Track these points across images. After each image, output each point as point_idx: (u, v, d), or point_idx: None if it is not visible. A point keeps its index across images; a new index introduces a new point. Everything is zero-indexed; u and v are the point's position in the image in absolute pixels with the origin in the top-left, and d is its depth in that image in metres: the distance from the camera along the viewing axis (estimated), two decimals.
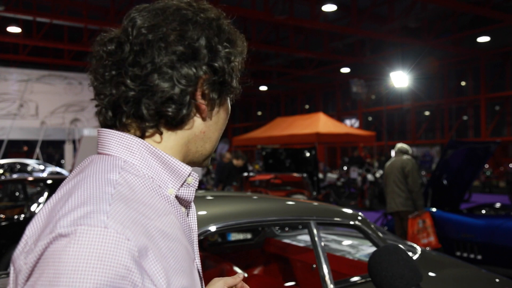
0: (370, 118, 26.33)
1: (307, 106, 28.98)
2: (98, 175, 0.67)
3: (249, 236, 3.91)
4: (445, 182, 6.48)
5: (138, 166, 0.72)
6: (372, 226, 2.71)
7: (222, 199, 2.65)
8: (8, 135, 19.96)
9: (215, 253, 3.52)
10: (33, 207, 5.50)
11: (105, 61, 0.73)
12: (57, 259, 0.56)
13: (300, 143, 13.81)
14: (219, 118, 0.81)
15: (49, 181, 5.91)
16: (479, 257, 5.47)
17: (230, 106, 0.85)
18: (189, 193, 0.78)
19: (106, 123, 0.75)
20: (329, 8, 13.56)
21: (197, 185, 0.79)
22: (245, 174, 9.45)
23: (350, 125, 24.47)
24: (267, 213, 2.38)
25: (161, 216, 0.68)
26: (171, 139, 0.75)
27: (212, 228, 2.11)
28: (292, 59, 21.31)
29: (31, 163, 16.95)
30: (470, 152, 6.27)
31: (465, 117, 22.01)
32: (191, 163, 0.81)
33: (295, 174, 9.46)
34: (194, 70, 0.72)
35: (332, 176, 14.94)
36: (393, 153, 6.21)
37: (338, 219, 2.59)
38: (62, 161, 24.30)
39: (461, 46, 18.27)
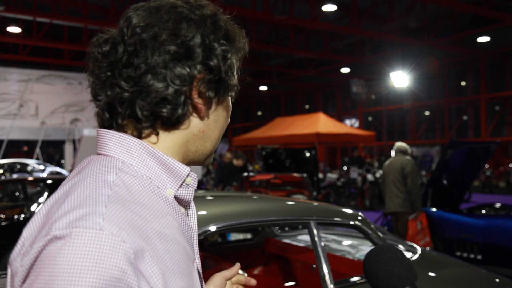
0: (370, 118, 26.33)
1: (307, 106, 28.99)
2: (95, 176, 0.67)
3: (249, 236, 3.91)
4: (445, 182, 6.48)
5: (136, 166, 0.71)
6: (372, 226, 2.71)
7: (222, 199, 2.65)
8: (8, 135, 19.96)
9: (215, 253, 3.52)
10: (33, 207, 5.50)
11: (101, 63, 0.73)
12: (52, 261, 0.56)
13: (300, 143, 13.81)
14: (219, 117, 0.79)
15: (49, 181, 5.91)
16: (479, 257, 5.47)
17: (231, 104, 0.83)
18: (188, 193, 0.77)
19: (104, 124, 0.75)
20: (329, 8, 13.56)
21: (196, 186, 0.79)
22: (245, 174, 9.45)
23: (350, 125, 24.47)
24: (267, 213, 2.38)
25: (159, 218, 0.67)
26: (168, 139, 0.75)
27: (212, 228, 2.11)
28: (292, 59, 21.31)
29: (31, 163, 16.95)
30: (470, 152, 6.27)
31: (465, 117, 22.01)
32: (192, 162, 0.80)
33: (295, 174, 9.46)
34: (188, 69, 0.71)
35: (332, 176, 14.94)
36: (393, 152, 6.18)
37: (338, 219, 2.59)
38: (62, 161, 24.31)
39: (461, 46, 18.27)
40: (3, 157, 19.86)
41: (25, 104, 19.60)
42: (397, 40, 15.91)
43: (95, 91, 0.74)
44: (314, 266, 3.06)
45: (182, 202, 0.78)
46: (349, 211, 2.72)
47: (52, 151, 30.38)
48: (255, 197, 2.78)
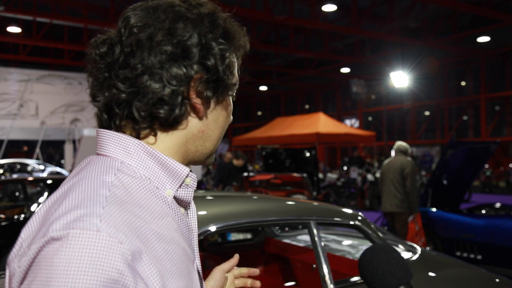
0: (370, 118, 26.33)
1: (307, 106, 28.99)
2: (93, 177, 0.66)
3: (249, 236, 3.91)
4: (445, 182, 6.48)
5: (135, 167, 0.71)
6: (372, 226, 2.71)
7: (222, 199, 2.65)
8: (8, 135, 19.96)
9: (215, 253, 3.53)
10: (33, 207, 5.50)
11: (99, 64, 0.73)
12: (49, 263, 0.56)
13: (300, 143, 13.81)
14: (219, 116, 0.79)
15: (49, 181, 5.91)
16: (479, 257, 5.47)
17: (231, 103, 0.82)
18: (187, 194, 0.77)
19: (103, 125, 0.75)
20: (329, 8, 13.57)
21: (195, 186, 0.78)
22: (245, 174, 9.45)
23: (350, 125, 24.47)
24: (267, 213, 2.38)
25: (157, 218, 0.67)
26: (167, 139, 0.74)
27: (212, 228, 2.11)
28: (292, 59, 21.32)
29: (31, 163, 16.95)
30: (470, 152, 6.26)
31: (465, 117, 22.01)
32: (193, 162, 0.80)
33: (295, 174, 9.46)
34: (184, 69, 0.70)
35: (332, 176, 14.93)
36: (393, 152, 6.16)
37: (338, 219, 2.59)
38: (62, 161, 24.31)
39: (461, 46, 18.28)
40: (3, 157, 19.86)
41: (25, 104, 19.60)
42: (397, 40, 15.91)
43: (93, 92, 0.74)
44: (314, 266, 3.06)
45: (181, 203, 0.77)
46: (349, 211, 2.72)
47: (52, 151, 30.39)
48: (255, 197, 2.78)
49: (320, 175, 13.25)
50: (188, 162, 0.79)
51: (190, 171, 0.77)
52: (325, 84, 26.95)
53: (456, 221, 5.83)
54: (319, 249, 2.33)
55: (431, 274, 2.68)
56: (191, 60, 0.71)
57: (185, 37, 0.71)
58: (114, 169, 0.69)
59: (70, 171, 14.40)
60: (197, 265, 0.79)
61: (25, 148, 31.21)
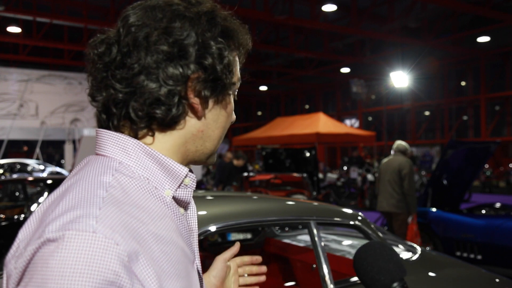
0: (370, 118, 26.34)
1: (307, 106, 28.99)
2: (91, 177, 0.66)
3: (249, 236, 3.91)
4: (445, 182, 6.48)
5: (133, 167, 0.71)
6: (372, 226, 2.71)
7: (222, 199, 2.65)
8: (8, 135, 19.97)
9: (215, 253, 3.52)
10: (33, 207, 5.49)
11: (97, 64, 0.72)
12: (45, 264, 0.55)
13: (300, 143, 13.81)
14: (219, 116, 0.77)
15: (49, 181, 5.91)
16: (479, 257, 5.47)
17: (232, 102, 0.81)
18: (186, 194, 0.76)
19: (102, 125, 0.74)
20: (329, 8, 13.57)
21: (194, 186, 0.77)
22: (245, 174, 9.45)
23: (350, 125, 24.48)
24: (267, 213, 2.38)
25: (155, 219, 0.67)
26: (165, 139, 0.73)
27: (212, 228, 2.11)
28: (292, 59, 21.32)
29: (31, 163, 16.96)
30: (470, 152, 6.26)
31: (465, 117, 22.02)
32: (193, 162, 0.79)
33: (295, 174, 9.46)
34: (180, 69, 0.69)
35: (332, 176, 14.94)
36: (392, 151, 6.15)
37: (338, 219, 2.59)
38: (62, 161, 24.32)
39: (461, 46, 18.28)
40: (3, 157, 19.87)
41: (25, 104, 19.60)
42: (397, 40, 15.92)
43: (92, 92, 0.73)
44: (314, 266, 3.06)
45: (180, 203, 0.77)
46: (349, 211, 2.72)
47: (52, 151, 30.41)
48: (255, 197, 2.78)
49: (320, 175, 13.25)
50: (189, 162, 0.78)
51: (190, 171, 0.77)
52: (325, 84, 26.96)
53: (456, 221, 5.83)
54: (319, 249, 2.33)
55: (431, 274, 2.68)
56: (187, 60, 0.70)
57: (182, 36, 0.70)
58: (112, 170, 0.68)
59: (70, 171, 14.35)
60: (197, 265, 0.79)
61: (25, 148, 31.22)
